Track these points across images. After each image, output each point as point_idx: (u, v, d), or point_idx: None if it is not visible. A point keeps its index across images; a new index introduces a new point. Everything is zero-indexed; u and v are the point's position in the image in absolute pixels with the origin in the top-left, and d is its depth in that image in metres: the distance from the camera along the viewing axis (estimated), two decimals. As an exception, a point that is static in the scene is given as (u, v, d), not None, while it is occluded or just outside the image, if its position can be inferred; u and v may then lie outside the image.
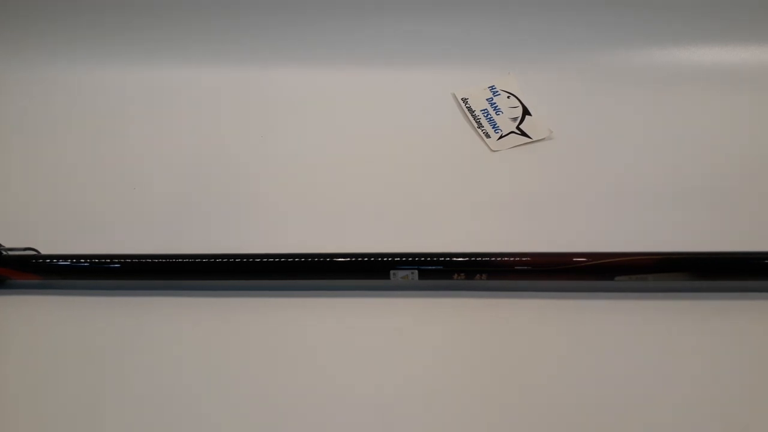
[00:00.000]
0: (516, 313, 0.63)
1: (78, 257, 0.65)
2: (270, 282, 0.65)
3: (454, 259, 0.62)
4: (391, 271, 0.63)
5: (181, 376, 0.59)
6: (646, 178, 0.76)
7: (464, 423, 0.55)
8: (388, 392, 0.57)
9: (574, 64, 0.90)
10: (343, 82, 0.90)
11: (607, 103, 0.86)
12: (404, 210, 0.73)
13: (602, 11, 0.90)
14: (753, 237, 0.68)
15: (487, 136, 0.83)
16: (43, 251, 0.66)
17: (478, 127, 0.84)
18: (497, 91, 0.88)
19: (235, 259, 0.64)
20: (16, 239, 0.68)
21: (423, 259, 0.62)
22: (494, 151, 0.81)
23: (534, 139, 0.82)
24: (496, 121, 0.84)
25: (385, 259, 0.63)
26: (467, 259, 0.62)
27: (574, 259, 0.62)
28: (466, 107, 0.86)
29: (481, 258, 0.62)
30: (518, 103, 0.87)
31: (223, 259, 0.64)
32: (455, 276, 0.63)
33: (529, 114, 0.85)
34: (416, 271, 0.63)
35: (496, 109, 0.86)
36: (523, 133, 0.83)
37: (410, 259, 0.62)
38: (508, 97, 0.88)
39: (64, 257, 0.65)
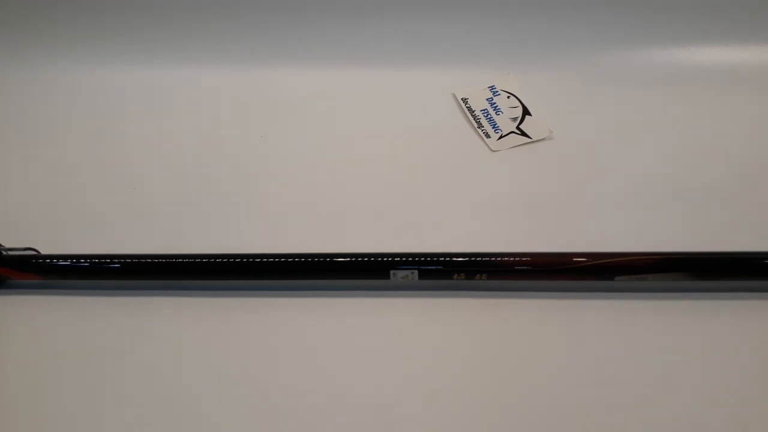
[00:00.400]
0: (516, 313, 0.63)
1: (78, 257, 0.65)
2: (270, 282, 0.65)
3: (454, 259, 0.62)
4: (391, 271, 0.63)
5: (181, 376, 0.59)
6: (646, 178, 0.76)
7: (464, 423, 0.55)
8: (388, 392, 0.57)
9: (574, 64, 0.90)
10: (343, 82, 0.90)
11: (607, 103, 0.86)
12: (404, 210, 0.73)
13: (602, 11, 0.90)
14: (753, 237, 0.68)
15: (487, 136, 0.83)
16: (43, 251, 0.66)
17: (478, 127, 0.84)
18: (497, 91, 0.88)
19: (235, 259, 0.64)
20: (16, 239, 0.68)
21: (423, 259, 0.62)
22: (494, 151, 0.81)
23: (534, 139, 0.82)
24: (496, 121, 0.84)
25: (385, 259, 0.62)
26: (467, 259, 0.62)
27: (574, 259, 0.62)
28: (466, 107, 0.86)
29: (481, 258, 0.62)
30: (518, 103, 0.87)
31: (222, 259, 0.64)
32: (455, 276, 0.63)
33: (529, 114, 0.85)
34: (416, 271, 0.63)
35: (496, 109, 0.86)
36: (523, 133, 0.83)
37: (410, 259, 0.62)
38: (508, 97, 0.88)
39: (64, 257, 0.65)
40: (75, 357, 0.61)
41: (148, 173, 0.79)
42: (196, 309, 0.64)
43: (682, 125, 0.82)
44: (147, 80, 0.91)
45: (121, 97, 0.90)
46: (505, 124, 0.84)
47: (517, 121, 0.84)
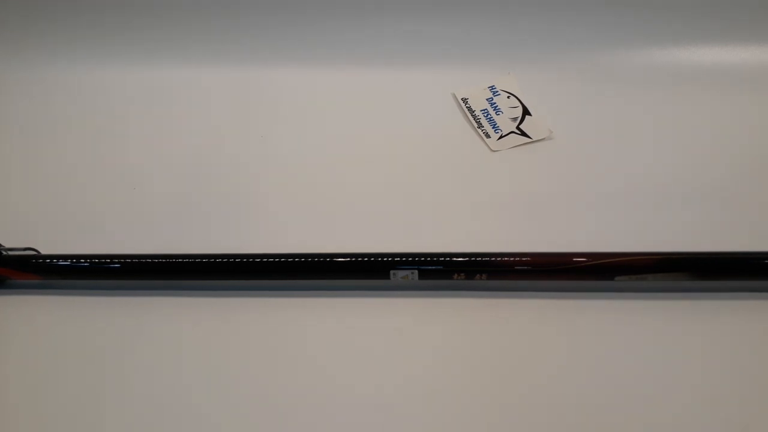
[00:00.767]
0: (516, 313, 0.63)
1: (78, 257, 0.65)
2: (270, 282, 0.65)
3: (454, 259, 0.62)
4: (391, 271, 0.63)
5: (180, 376, 0.59)
6: (646, 177, 0.76)
7: (464, 423, 0.55)
8: (387, 392, 0.57)
9: (575, 64, 0.90)
10: (343, 82, 0.90)
11: (607, 103, 0.86)
12: (404, 210, 0.73)
13: (602, 11, 0.90)
14: (753, 237, 0.68)
15: (487, 136, 0.83)
16: (43, 251, 0.66)
17: (478, 127, 0.84)
18: (497, 91, 0.88)
19: (235, 259, 0.64)
20: (16, 239, 0.68)
21: (423, 259, 0.62)
22: (494, 151, 0.81)
23: (534, 139, 0.82)
24: (496, 121, 0.84)
25: (385, 259, 0.62)
26: (467, 259, 0.62)
27: (574, 259, 0.62)
28: (466, 107, 0.86)
29: (481, 258, 0.62)
30: (518, 103, 0.87)
31: (223, 259, 0.64)
32: (455, 276, 0.63)
33: (529, 114, 0.85)
34: (416, 271, 0.62)
35: (496, 109, 0.86)
36: (523, 133, 0.83)
37: (410, 259, 0.62)
38: (508, 97, 0.88)
39: (64, 257, 0.65)
40: (75, 357, 0.61)
41: (148, 173, 0.79)
42: (196, 309, 0.64)
43: (682, 125, 0.82)
44: (147, 80, 0.91)
45: (121, 97, 0.90)
46: (505, 124, 0.84)
47: (517, 121, 0.84)
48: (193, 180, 0.78)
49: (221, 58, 0.92)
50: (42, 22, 0.93)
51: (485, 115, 0.85)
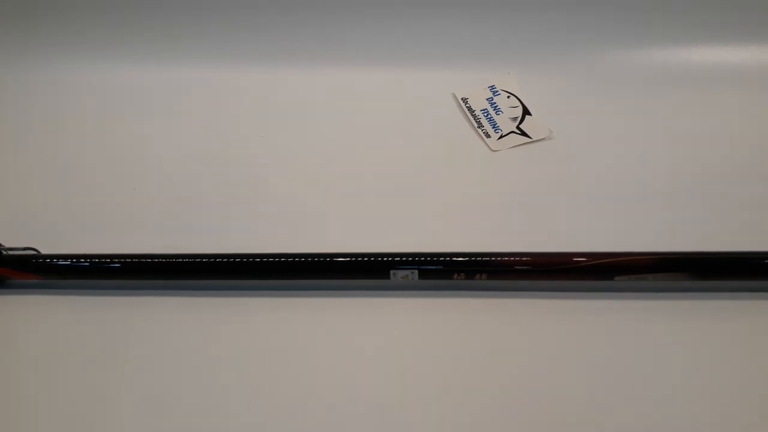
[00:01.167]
0: (516, 313, 0.63)
1: (78, 257, 0.65)
2: (269, 282, 0.65)
3: (454, 259, 0.62)
4: (391, 271, 0.63)
5: (180, 376, 0.59)
6: (646, 177, 0.76)
7: (464, 423, 0.55)
8: (387, 392, 0.57)
9: (575, 64, 0.90)
10: (344, 81, 0.90)
11: (607, 103, 0.86)
12: (404, 209, 0.73)
13: (602, 11, 0.90)
14: (753, 236, 0.68)
15: (487, 135, 0.83)
16: (43, 251, 0.66)
17: (478, 127, 0.84)
18: (497, 91, 0.88)
19: (233, 259, 0.64)
20: (16, 239, 0.68)
21: (423, 258, 0.62)
22: (494, 150, 0.81)
23: (534, 139, 0.82)
24: (496, 121, 0.84)
25: (384, 258, 0.62)
26: (467, 259, 0.62)
27: (574, 259, 0.62)
28: (466, 107, 0.86)
29: (481, 258, 0.62)
30: (518, 103, 0.87)
31: (222, 259, 0.64)
32: (455, 276, 0.63)
33: (529, 114, 0.85)
34: (416, 271, 0.62)
35: (496, 109, 0.86)
36: (523, 133, 0.83)
37: (410, 259, 0.62)
38: (508, 96, 0.88)
39: (64, 257, 0.65)
40: (75, 357, 0.61)
41: (148, 173, 0.79)
42: (195, 309, 0.64)
43: (682, 125, 0.82)
44: (147, 79, 0.91)
45: (120, 96, 0.90)
46: (505, 123, 0.84)
47: (517, 121, 0.84)
48: (192, 180, 0.78)
49: (221, 58, 0.92)
50: (40, 21, 0.93)
51: (485, 114, 0.85)
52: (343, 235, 0.71)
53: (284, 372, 0.59)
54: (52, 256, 0.65)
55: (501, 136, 0.83)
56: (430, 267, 0.62)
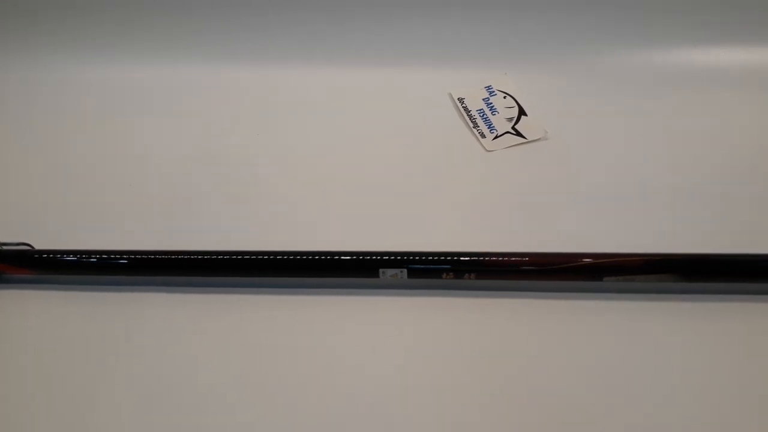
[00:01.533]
0: (504, 312, 0.63)
1: (72, 252, 0.66)
2: (258, 279, 0.65)
3: (443, 258, 0.62)
4: (380, 270, 0.63)
5: (172, 372, 0.59)
6: (643, 178, 0.75)
7: (452, 422, 0.55)
8: (375, 392, 0.57)
9: (572, 64, 0.90)
10: (340, 81, 0.90)
11: (604, 104, 0.85)
12: (397, 209, 0.73)
13: (600, 12, 0.90)
14: (753, 237, 0.67)
15: (483, 136, 0.83)
16: (37, 247, 0.67)
17: (474, 127, 0.84)
18: (494, 91, 0.88)
19: (224, 256, 0.64)
20: (10, 234, 0.69)
21: (411, 258, 0.62)
22: (489, 151, 0.81)
23: (529, 140, 0.82)
24: (492, 121, 0.84)
25: (373, 257, 0.63)
26: (456, 258, 0.62)
27: (563, 259, 0.62)
28: (462, 107, 0.86)
29: (470, 257, 0.62)
30: (514, 104, 0.87)
31: (212, 256, 0.64)
32: (444, 275, 0.63)
33: (525, 114, 0.85)
34: (405, 271, 0.63)
35: (492, 109, 0.86)
36: (519, 134, 0.83)
37: (398, 258, 0.62)
38: (505, 97, 0.88)
39: (59, 252, 0.66)
40: (69, 352, 0.61)
41: (144, 171, 0.79)
42: (187, 305, 0.65)
43: (678, 126, 0.82)
44: (143, 78, 0.91)
45: (116, 94, 0.90)
46: (501, 124, 0.84)
47: (513, 122, 0.84)
48: (187, 178, 0.78)
49: (217, 57, 0.92)
50: (39, 18, 0.93)
51: (481, 114, 0.85)
52: (335, 233, 0.71)
53: (274, 370, 0.59)
54: (46, 251, 0.66)
55: (496, 137, 0.83)
56: (418, 266, 0.63)
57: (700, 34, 0.89)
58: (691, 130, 0.81)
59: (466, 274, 0.63)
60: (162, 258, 0.65)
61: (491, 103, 0.87)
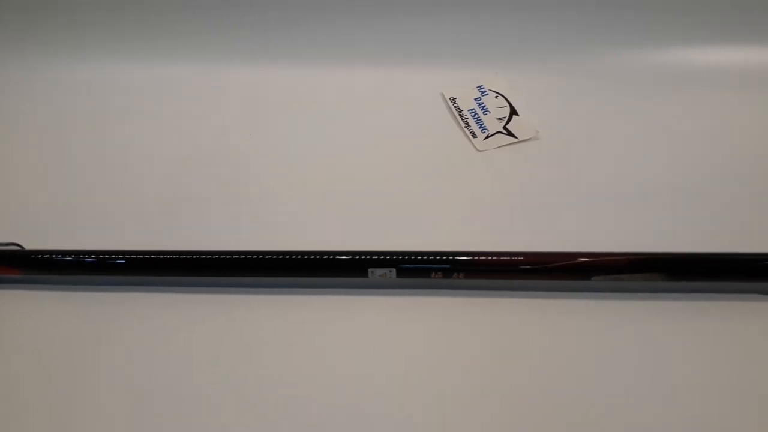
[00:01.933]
0: (492, 312, 0.63)
1: (61, 252, 0.66)
2: (248, 279, 0.66)
3: (431, 257, 0.62)
4: (369, 270, 0.63)
5: (160, 372, 0.59)
6: (633, 179, 0.75)
7: (440, 421, 0.55)
8: (363, 391, 0.57)
9: (563, 64, 0.90)
10: (332, 81, 0.90)
11: (595, 104, 0.85)
12: (388, 208, 0.73)
13: (591, 12, 0.90)
14: (753, 238, 0.66)
15: (474, 135, 0.83)
16: (27, 247, 0.67)
17: (465, 127, 0.84)
18: (485, 91, 0.88)
19: (213, 255, 0.64)
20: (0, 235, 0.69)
21: (400, 257, 0.63)
22: (480, 150, 0.81)
23: (520, 139, 0.82)
24: (483, 121, 0.84)
25: (362, 257, 0.63)
26: (444, 257, 0.62)
27: (551, 259, 0.62)
28: (454, 107, 0.87)
29: (458, 257, 0.62)
30: (506, 103, 0.87)
31: (201, 255, 0.64)
32: (433, 275, 0.63)
33: (517, 114, 0.85)
34: (394, 270, 0.63)
35: (484, 109, 0.86)
36: (510, 133, 0.83)
37: (387, 257, 0.63)
38: (496, 97, 0.88)
39: (48, 252, 0.66)
40: (57, 352, 0.61)
41: (135, 171, 0.80)
42: (176, 305, 0.65)
43: (668, 126, 0.82)
44: (136, 78, 0.92)
45: (108, 94, 0.90)
46: (492, 124, 0.84)
47: (504, 121, 0.84)
48: (178, 178, 0.78)
49: (209, 57, 0.92)
50: (30, 18, 0.93)
51: (473, 114, 0.85)
52: (325, 233, 0.71)
53: (259, 370, 0.59)
54: (35, 251, 0.66)
55: (487, 136, 0.83)
56: (407, 266, 0.63)
57: (688, 34, 0.90)
58: (690, 130, 0.81)
59: (455, 274, 0.63)
60: (151, 258, 0.65)
61: (483, 103, 0.87)
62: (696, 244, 0.63)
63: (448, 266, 0.62)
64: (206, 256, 0.64)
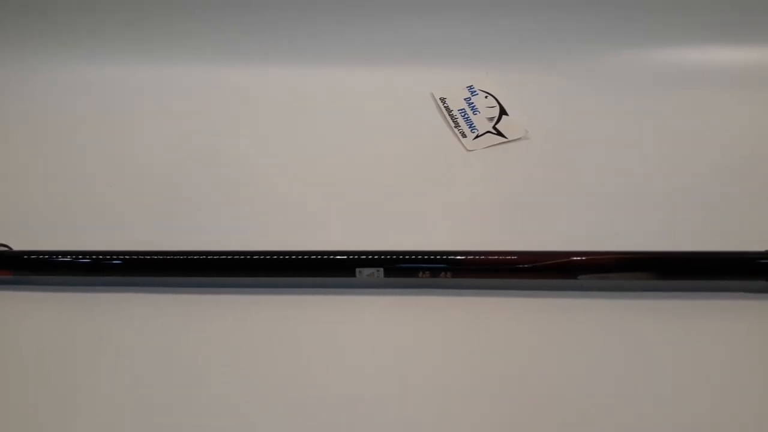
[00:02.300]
0: (480, 311, 0.63)
1: (51, 253, 0.66)
2: (236, 279, 0.66)
3: (418, 257, 0.63)
4: (357, 269, 0.63)
5: (150, 374, 0.59)
6: (622, 179, 0.76)
7: (430, 421, 0.55)
8: (350, 392, 0.57)
9: (553, 64, 0.90)
10: (320, 81, 0.90)
11: (585, 104, 0.86)
12: (376, 207, 0.74)
13: (580, 12, 0.90)
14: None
15: (463, 135, 0.83)
16: (16, 248, 0.67)
17: (455, 127, 0.84)
18: (475, 91, 0.89)
19: (201, 256, 0.64)
20: (-11, 235, 0.69)
21: (387, 257, 0.63)
22: (469, 150, 0.81)
23: (509, 139, 0.82)
24: (473, 121, 0.85)
25: (349, 257, 0.63)
26: (431, 257, 0.63)
27: (539, 258, 0.62)
28: (444, 107, 0.87)
29: (445, 256, 0.63)
30: (495, 103, 0.87)
31: (189, 256, 0.64)
32: (420, 274, 0.63)
33: (506, 114, 0.85)
34: (381, 270, 0.63)
35: (474, 109, 0.86)
36: (499, 133, 0.83)
37: (374, 257, 0.63)
38: (486, 96, 0.88)
39: (37, 253, 0.66)
40: (47, 354, 0.61)
41: (127, 171, 0.80)
42: (164, 306, 0.65)
43: (657, 125, 0.82)
44: (133, 77, 0.92)
45: (108, 94, 0.90)
46: (482, 123, 0.84)
47: (494, 121, 0.85)
48: (167, 179, 0.78)
49: (200, 57, 0.93)
50: (28, 17, 0.93)
51: (462, 114, 0.86)
52: (313, 233, 0.71)
53: (247, 370, 0.59)
54: (24, 252, 0.66)
55: (477, 136, 0.83)
56: (394, 265, 0.63)
57: (677, 33, 0.90)
58: (670, 129, 0.82)
59: (442, 273, 0.63)
60: (142, 259, 0.65)
61: (473, 103, 0.87)
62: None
63: (435, 265, 0.62)
64: (195, 256, 0.64)
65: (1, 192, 0.78)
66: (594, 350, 0.59)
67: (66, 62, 0.93)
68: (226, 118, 0.87)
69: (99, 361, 0.60)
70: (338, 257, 0.63)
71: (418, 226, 0.72)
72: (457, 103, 0.87)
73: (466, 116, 0.85)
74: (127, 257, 0.65)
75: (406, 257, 0.63)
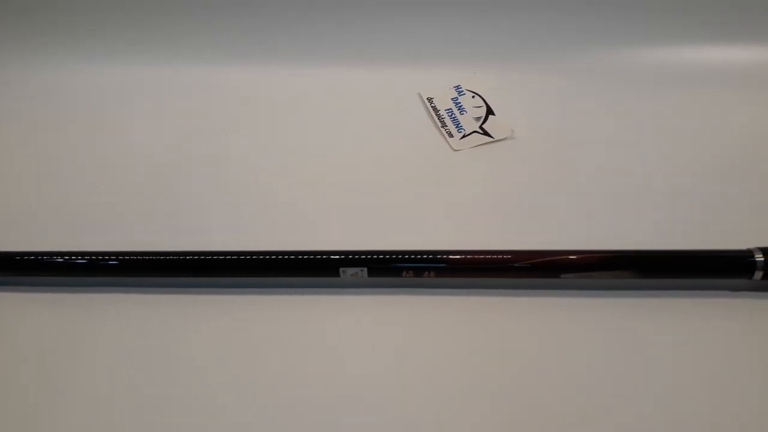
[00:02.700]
0: (463, 310, 0.63)
1: (34, 254, 0.66)
2: (219, 279, 0.66)
3: (402, 257, 0.63)
4: (341, 269, 0.63)
5: (133, 375, 0.59)
6: (605, 178, 0.76)
7: (417, 421, 0.55)
8: (338, 392, 0.57)
9: (540, 64, 0.91)
10: (308, 81, 0.90)
11: (571, 104, 0.86)
12: (361, 207, 0.74)
13: (567, 12, 0.90)
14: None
15: (450, 135, 0.83)
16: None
17: (442, 127, 0.84)
18: (462, 91, 0.89)
19: (185, 256, 0.64)
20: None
21: (370, 257, 0.63)
22: (456, 150, 0.82)
23: (496, 139, 0.82)
24: (460, 121, 0.85)
25: (333, 257, 0.63)
26: (414, 256, 0.63)
27: (520, 257, 0.62)
28: (431, 107, 0.87)
29: (428, 256, 0.63)
30: (482, 103, 0.87)
31: (174, 256, 0.64)
32: (404, 274, 0.63)
33: (493, 114, 0.86)
34: (365, 269, 0.63)
35: (461, 109, 0.87)
36: (486, 133, 0.83)
37: (357, 257, 0.63)
38: (473, 96, 0.88)
39: (20, 254, 0.66)
40: (42, 354, 0.61)
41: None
42: (148, 306, 0.65)
43: (657, 125, 0.82)
44: (128, 78, 0.92)
45: (107, 94, 0.91)
46: (469, 123, 0.85)
47: (481, 121, 0.85)
48: (154, 179, 0.78)
49: (193, 57, 0.93)
50: (23, 19, 0.94)
51: (449, 114, 0.86)
52: (297, 232, 0.71)
53: (232, 370, 0.59)
54: (5, 254, 0.66)
55: (464, 136, 0.83)
56: (377, 265, 0.63)
57: (666, 32, 0.91)
58: (657, 128, 0.82)
59: (426, 272, 0.63)
60: (128, 259, 0.65)
61: (460, 103, 0.87)
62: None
63: (418, 265, 0.62)
64: (179, 257, 0.64)
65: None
66: (592, 349, 0.59)
67: (66, 62, 0.94)
68: (219, 119, 0.87)
69: (93, 361, 0.60)
70: (321, 257, 0.63)
71: (402, 226, 0.72)
72: (444, 103, 0.87)
73: (453, 116, 0.86)
74: (122, 258, 0.65)
75: (389, 257, 0.63)
